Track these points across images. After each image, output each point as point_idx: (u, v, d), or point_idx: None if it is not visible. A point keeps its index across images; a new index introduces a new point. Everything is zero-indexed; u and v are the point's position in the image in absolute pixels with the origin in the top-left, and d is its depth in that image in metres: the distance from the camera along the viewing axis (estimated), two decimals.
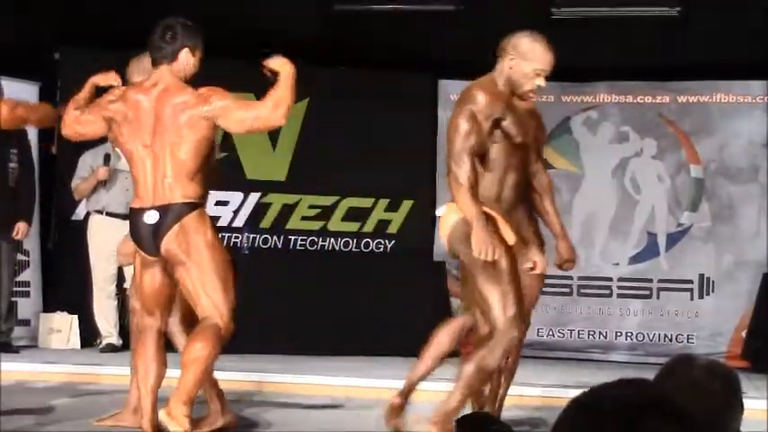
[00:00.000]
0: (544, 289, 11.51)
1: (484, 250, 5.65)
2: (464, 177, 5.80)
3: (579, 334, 11.71)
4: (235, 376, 8.39)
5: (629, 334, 11.44)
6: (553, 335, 11.64)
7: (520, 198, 6.21)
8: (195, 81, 6.13)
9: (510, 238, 5.99)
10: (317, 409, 7.87)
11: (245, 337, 9.96)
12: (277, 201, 11.76)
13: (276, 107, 6.01)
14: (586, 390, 1.67)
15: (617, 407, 1.58)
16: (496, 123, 5.97)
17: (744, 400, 2.92)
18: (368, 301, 10.60)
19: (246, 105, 6.24)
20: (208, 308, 5.92)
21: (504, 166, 6.05)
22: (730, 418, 2.86)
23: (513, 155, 6.05)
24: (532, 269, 6.19)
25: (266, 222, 11.75)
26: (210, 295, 5.92)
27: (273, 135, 11.59)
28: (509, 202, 6.09)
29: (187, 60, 6.13)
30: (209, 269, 5.93)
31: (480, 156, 5.98)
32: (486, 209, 5.93)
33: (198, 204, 6.06)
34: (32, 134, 9.91)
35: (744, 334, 11.20)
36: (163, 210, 5.94)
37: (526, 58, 5.97)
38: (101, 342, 10.19)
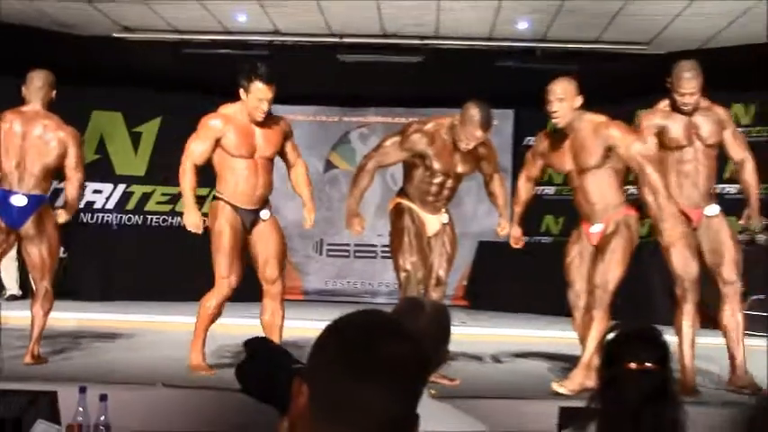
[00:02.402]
0: (330, 252, 12.19)
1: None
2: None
3: (354, 284, 12.09)
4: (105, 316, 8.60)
5: (387, 284, 11.63)
6: (336, 285, 12.02)
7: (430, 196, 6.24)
8: None
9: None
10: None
11: (118, 288, 10.35)
12: (138, 190, 11.81)
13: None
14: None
15: (359, 328, 1.48)
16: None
17: (451, 329, 2.84)
18: (205, 262, 10.58)
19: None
20: None
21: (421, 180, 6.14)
22: (442, 343, 2.79)
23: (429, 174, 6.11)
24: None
25: (130, 206, 11.78)
26: None
27: (135, 142, 11.82)
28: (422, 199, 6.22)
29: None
30: None
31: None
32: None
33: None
34: None
35: (465, 283, 11.72)
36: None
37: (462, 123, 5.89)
38: (5, 294, 10.08)
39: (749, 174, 6.08)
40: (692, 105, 5.88)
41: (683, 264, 5.96)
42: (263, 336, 1.65)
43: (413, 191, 6.23)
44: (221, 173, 6.02)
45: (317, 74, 11.33)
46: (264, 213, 6.09)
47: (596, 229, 5.96)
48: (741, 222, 6.22)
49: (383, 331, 1.47)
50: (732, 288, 5.97)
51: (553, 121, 5.87)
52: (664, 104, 6.02)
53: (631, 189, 10.77)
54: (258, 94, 5.76)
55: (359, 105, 12.28)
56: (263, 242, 6.06)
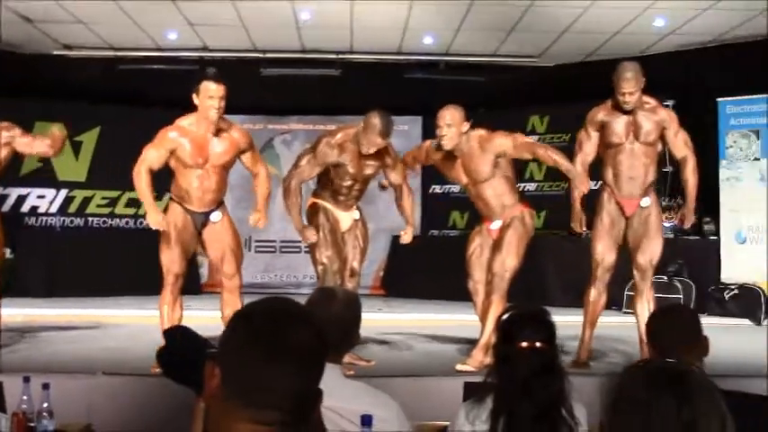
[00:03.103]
0: (258, 248, 12.11)
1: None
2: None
3: (281, 277, 12.01)
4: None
5: (311, 276, 10.99)
6: (264, 278, 11.90)
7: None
8: None
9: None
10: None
11: (62, 286, 10.17)
12: (79, 194, 11.55)
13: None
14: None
15: (265, 313, 1.48)
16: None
17: (362, 315, 2.81)
18: (143, 260, 10.37)
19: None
20: None
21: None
22: (353, 327, 2.78)
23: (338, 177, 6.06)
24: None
25: (72, 209, 11.52)
26: None
27: (76, 149, 11.58)
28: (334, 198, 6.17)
29: None
30: None
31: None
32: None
33: None
34: None
35: (381, 273, 11.73)
36: None
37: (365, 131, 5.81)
38: None
39: (689, 172, 6.00)
40: (631, 104, 5.84)
41: (600, 252, 6.03)
42: (183, 325, 1.67)
43: (326, 191, 6.23)
44: (176, 176, 5.91)
45: (243, 86, 11.21)
46: (215, 215, 5.97)
47: (496, 225, 6.06)
48: (675, 222, 6.23)
49: (288, 317, 1.47)
50: (642, 275, 6.01)
51: (441, 143, 5.92)
52: (609, 103, 6.00)
53: (528, 186, 11.02)
54: (208, 93, 5.61)
55: (282, 114, 12.23)
56: (216, 241, 5.96)
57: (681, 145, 6.01)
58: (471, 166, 5.95)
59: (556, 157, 5.78)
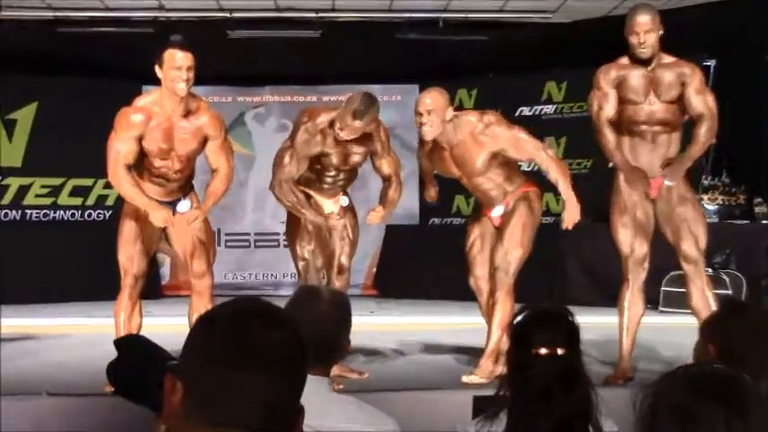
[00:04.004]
0: (229, 243, 12.12)
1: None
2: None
3: (256, 276, 12.02)
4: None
5: (292, 274, 11.28)
6: (236, 278, 11.93)
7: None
8: None
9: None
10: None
11: None
12: (14, 183, 11.50)
13: None
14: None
15: (232, 316, 1.49)
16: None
17: (353, 320, 2.83)
18: (89, 257, 10.21)
19: None
20: None
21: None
22: (342, 332, 2.79)
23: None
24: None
25: (6, 200, 11.47)
26: None
27: (9, 129, 11.53)
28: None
29: None
30: None
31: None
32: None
33: None
34: None
35: (374, 270, 11.68)
36: None
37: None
38: None
39: (703, 131, 5.87)
40: (648, 48, 5.79)
41: (627, 242, 5.98)
42: (138, 334, 1.65)
43: (308, 178, 6.18)
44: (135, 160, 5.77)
45: (207, 52, 11.16)
46: (182, 205, 5.89)
47: (498, 212, 6.06)
48: (662, 174, 6.01)
49: (256, 317, 1.48)
50: (694, 266, 5.96)
51: (421, 133, 5.87)
52: (622, 60, 5.95)
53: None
54: (174, 62, 5.49)
55: (253, 84, 12.21)
56: (184, 234, 5.90)
57: (700, 102, 5.89)
58: (462, 159, 5.92)
59: (559, 173, 5.78)
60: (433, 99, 5.77)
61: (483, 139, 5.82)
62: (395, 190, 6.24)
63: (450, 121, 5.82)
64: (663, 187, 5.95)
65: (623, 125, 5.96)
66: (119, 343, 1.91)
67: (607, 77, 5.95)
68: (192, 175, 6.03)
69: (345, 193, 6.36)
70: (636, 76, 5.91)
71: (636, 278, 6.00)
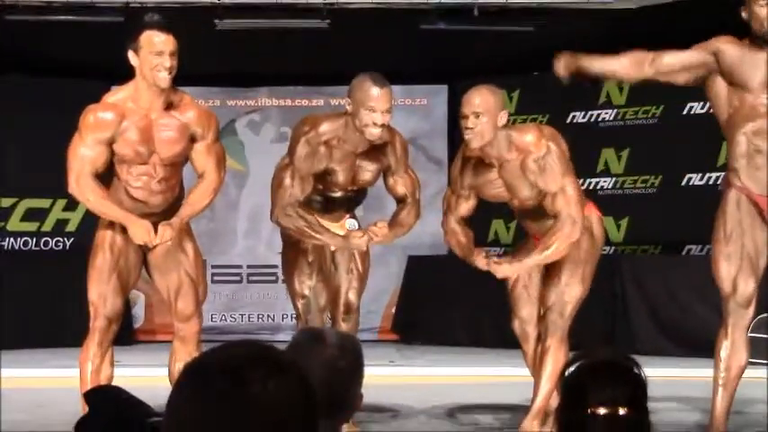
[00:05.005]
0: (216, 277, 12.12)
1: None
2: None
3: (249, 317, 12.07)
4: None
5: (293, 315, 11.70)
6: (226, 319, 11.95)
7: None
8: None
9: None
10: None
11: None
12: None
13: None
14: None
15: (224, 364, 1.51)
16: None
17: (365, 369, 2.88)
18: (46, 295, 10.45)
19: None
20: None
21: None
22: (352, 383, 2.83)
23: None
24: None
25: None
26: None
27: None
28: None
29: None
30: None
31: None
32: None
33: None
34: None
35: (393, 310, 11.69)
36: None
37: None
38: None
39: None
40: None
41: (729, 278, 5.85)
42: (112, 385, 1.65)
43: (307, 198, 6.13)
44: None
45: (192, 46, 11.23)
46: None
47: None
48: None
49: (255, 364, 1.51)
50: None
51: (466, 138, 5.80)
52: (741, 42, 5.83)
53: (602, 182, 10.99)
54: (154, 47, 5.44)
55: (247, 85, 12.28)
56: (169, 267, 5.88)
57: None
58: (511, 185, 5.89)
59: (560, 241, 5.72)
60: (484, 99, 5.74)
61: (532, 166, 5.76)
62: (408, 212, 6.22)
63: (502, 129, 5.75)
64: None
65: (735, 131, 5.80)
66: (90, 396, 1.92)
67: (709, 45, 5.85)
68: (181, 194, 5.94)
69: (353, 216, 6.35)
70: (756, 63, 5.74)
71: (738, 322, 5.89)
